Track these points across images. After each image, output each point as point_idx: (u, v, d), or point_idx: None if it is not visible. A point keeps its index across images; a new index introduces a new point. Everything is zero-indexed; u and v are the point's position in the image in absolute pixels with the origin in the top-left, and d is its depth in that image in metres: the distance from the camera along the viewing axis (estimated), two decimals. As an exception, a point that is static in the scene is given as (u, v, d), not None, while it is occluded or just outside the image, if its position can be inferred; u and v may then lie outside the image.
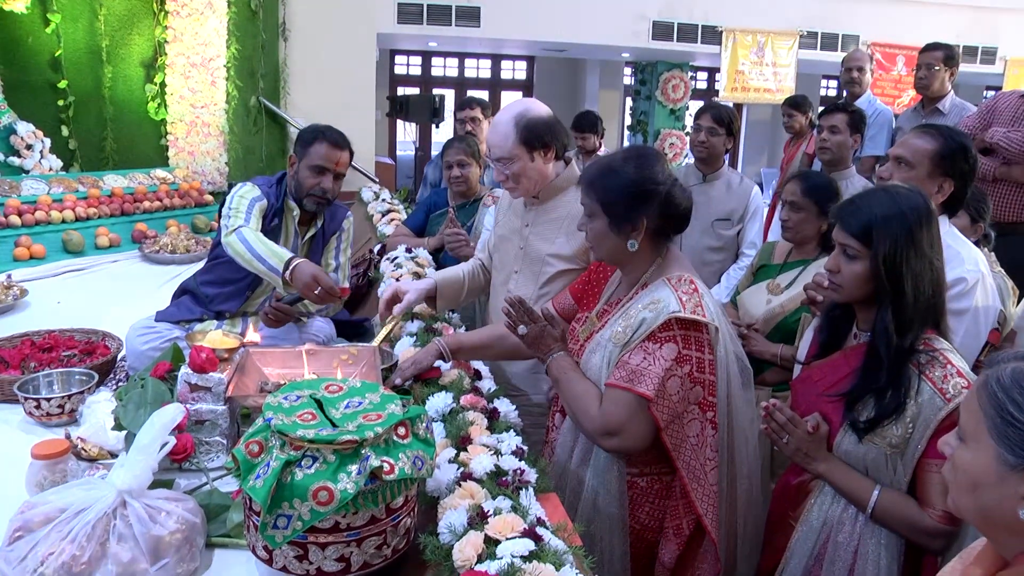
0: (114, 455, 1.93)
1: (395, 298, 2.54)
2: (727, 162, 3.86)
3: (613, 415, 1.87)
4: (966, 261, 2.26)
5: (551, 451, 2.17)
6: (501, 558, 1.30)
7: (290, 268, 2.58)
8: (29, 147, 5.36)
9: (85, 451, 1.92)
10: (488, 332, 2.44)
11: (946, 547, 1.73)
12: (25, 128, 5.38)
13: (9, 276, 3.86)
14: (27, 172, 5.25)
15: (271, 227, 2.95)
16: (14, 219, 4.52)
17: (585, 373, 2.01)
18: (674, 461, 1.90)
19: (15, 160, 5.28)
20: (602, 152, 6.30)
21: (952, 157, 2.30)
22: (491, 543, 1.35)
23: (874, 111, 5.05)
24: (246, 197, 2.86)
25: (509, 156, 2.50)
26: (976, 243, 2.61)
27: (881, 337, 1.79)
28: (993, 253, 2.98)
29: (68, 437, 1.91)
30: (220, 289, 2.96)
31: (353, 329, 3.24)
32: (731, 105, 4.57)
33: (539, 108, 2.56)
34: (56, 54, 5.72)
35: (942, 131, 2.36)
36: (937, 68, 4.62)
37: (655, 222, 1.95)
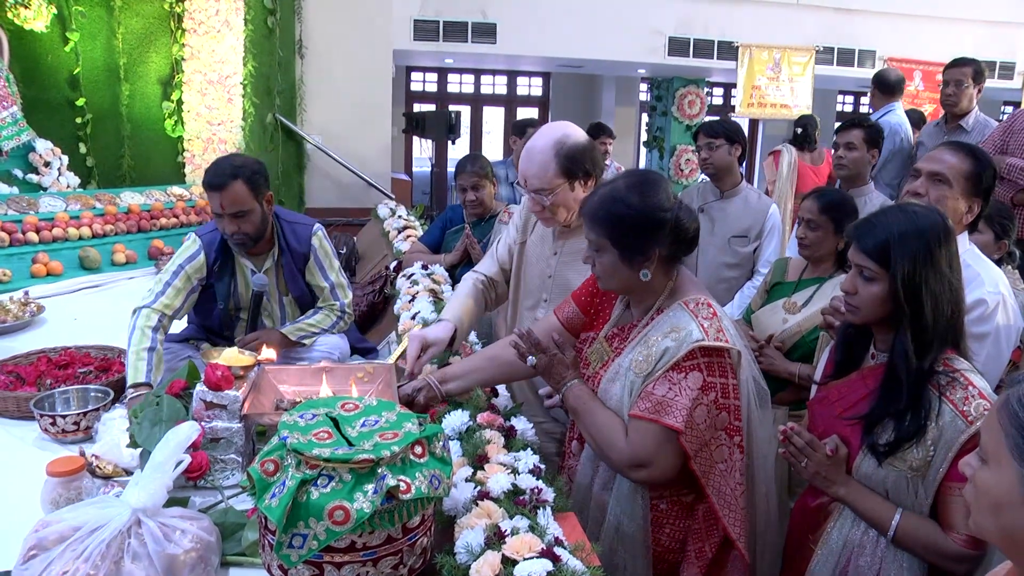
0: (129, 472, 1.92)
1: (425, 347, 2.28)
2: (744, 178, 3.84)
3: (641, 447, 1.83)
4: (987, 282, 2.21)
5: (568, 478, 2.12)
6: (519, 579, 1.29)
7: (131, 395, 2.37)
8: (47, 164, 5.43)
9: (100, 468, 1.92)
10: (478, 357, 2.27)
11: (971, 572, 1.70)
12: (43, 146, 5.45)
13: (26, 293, 3.88)
14: (45, 189, 5.31)
15: (225, 273, 2.81)
16: (32, 236, 4.57)
17: (605, 402, 1.95)
18: (704, 488, 1.86)
19: (33, 177, 5.36)
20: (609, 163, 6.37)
21: (984, 177, 2.27)
22: (508, 563, 1.35)
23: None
24: (178, 261, 2.72)
25: (549, 187, 2.34)
26: (999, 261, 2.57)
27: (900, 359, 1.76)
28: (1017, 271, 2.92)
29: (83, 454, 1.90)
30: (204, 332, 2.96)
31: (363, 356, 3.19)
32: (731, 118, 4.56)
33: (578, 133, 2.40)
34: (74, 72, 5.81)
35: (973, 150, 2.31)
36: (966, 85, 4.52)
37: (666, 250, 1.90)
